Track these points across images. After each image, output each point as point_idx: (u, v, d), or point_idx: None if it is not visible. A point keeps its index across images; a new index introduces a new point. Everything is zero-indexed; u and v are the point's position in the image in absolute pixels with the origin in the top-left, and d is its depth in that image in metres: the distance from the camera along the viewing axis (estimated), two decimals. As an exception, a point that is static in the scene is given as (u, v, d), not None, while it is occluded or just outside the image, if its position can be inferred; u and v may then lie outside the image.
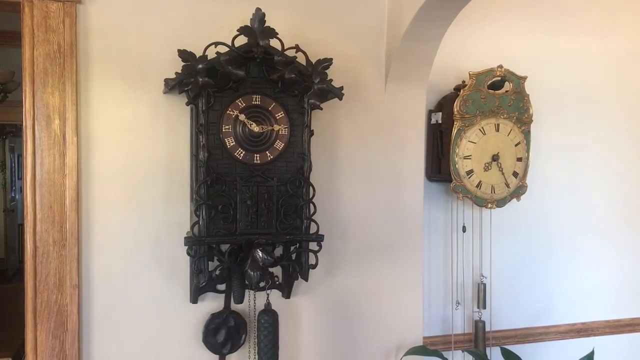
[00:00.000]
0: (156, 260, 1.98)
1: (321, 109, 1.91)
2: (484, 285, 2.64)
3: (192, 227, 1.83)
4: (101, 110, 1.92)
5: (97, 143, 1.92)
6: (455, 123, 2.43)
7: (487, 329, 2.63)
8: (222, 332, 2.01)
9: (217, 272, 1.89)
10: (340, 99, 1.93)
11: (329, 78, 1.88)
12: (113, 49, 1.91)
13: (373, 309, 2.24)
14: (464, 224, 2.60)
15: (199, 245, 1.84)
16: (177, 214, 1.99)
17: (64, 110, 1.88)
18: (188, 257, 1.93)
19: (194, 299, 1.97)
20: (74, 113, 1.89)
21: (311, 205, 1.94)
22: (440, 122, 2.53)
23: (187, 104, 1.86)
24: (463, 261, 2.66)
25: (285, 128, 1.90)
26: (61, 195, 1.87)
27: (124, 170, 1.94)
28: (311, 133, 1.94)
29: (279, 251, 2.00)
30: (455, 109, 2.42)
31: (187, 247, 1.85)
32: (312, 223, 1.94)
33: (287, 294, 2.08)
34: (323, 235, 1.94)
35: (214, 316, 2.01)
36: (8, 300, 3.99)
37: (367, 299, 2.24)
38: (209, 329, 2.00)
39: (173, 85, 1.81)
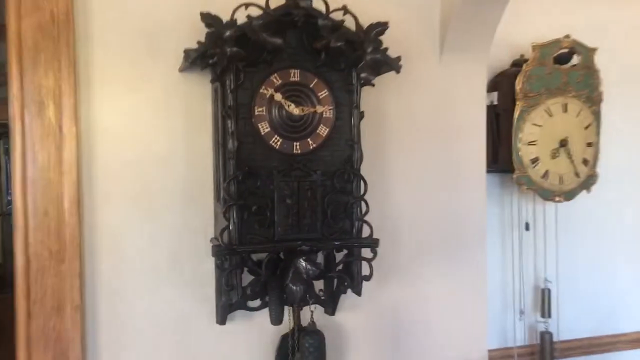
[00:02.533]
0: (175, 274, 1.63)
1: (373, 85, 1.56)
2: (549, 290, 2.29)
3: (220, 234, 1.48)
4: (105, 94, 1.57)
5: (100, 133, 1.57)
6: (516, 103, 2.08)
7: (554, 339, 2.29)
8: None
9: (252, 287, 1.54)
10: (398, 71, 1.58)
11: (382, 47, 1.52)
12: (118, 17, 1.56)
13: (431, 324, 1.90)
14: (526, 221, 2.25)
15: (231, 256, 1.49)
16: (200, 218, 1.64)
17: (60, 94, 1.53)
18: (214, 269, 1.59)
19: (222, 319, 1.62)
20: (71, 98, 1.54)
21: (363, 203, 1.59)
22: (495, 103, 2.18)
23: (212, 81, 1.52)
24: (524, 263, 2.31)
25: (329, 110, 1.55)
26: (58, 198, 1.52)
27: (133, 165, 1.59)
28: (361, 115, 1.59)
29: (321, 259, 1.65)
30: (517, 86, 2.07)
31: (215, 258, 1.51)
32: (365, 225, 1.59)
33: (331, 310, 1.73)
34: (378, 240, 1.59)
35: (284, 338, 1.67)
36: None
37: (423, 311, 1.89)
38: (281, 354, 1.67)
39: (195, 58, 1.46)
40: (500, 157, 2.17)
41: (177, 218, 1.63)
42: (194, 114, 1.63)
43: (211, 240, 1.60)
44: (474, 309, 1.94)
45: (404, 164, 1.85)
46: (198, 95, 1.63)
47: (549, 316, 2.28)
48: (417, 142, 1.86)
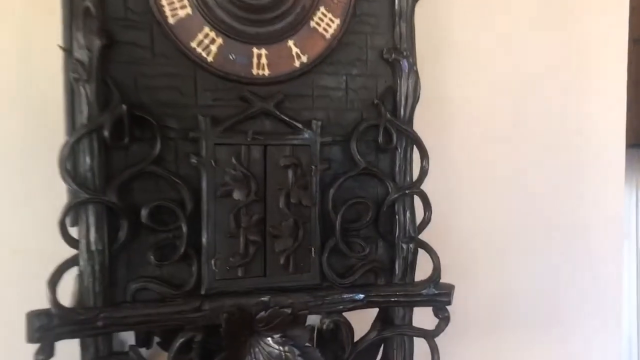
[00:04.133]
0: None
1: None
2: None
3: (51, 283, 0.55)
4: None
5: None
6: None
7: None
8: None
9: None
10: None
11: None
12: None
13: None
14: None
15: (83, 337, 0.57)
16: (44, 230, 0.71)
17: None
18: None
19: None
20: None
21: (418, 199, 0.67)
22: None
23: None
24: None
25: (339, -24, 0.63)
26: None
27: None
28: (415, -4, 0.67)
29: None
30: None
31: (39, 345, 0.57)
32: (416, 253, 0.67)
33: None
34: (450, 293, 0.67)
35: None
36: None
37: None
38: None
39: None
40: None
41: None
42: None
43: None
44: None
45: (480, 136, 0.93)
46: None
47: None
48: (508, 96, 0.94)
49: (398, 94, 0.66)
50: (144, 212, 0.58)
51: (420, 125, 0.68)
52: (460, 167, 0.91)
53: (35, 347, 0.55)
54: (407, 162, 0.67)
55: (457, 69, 0.91)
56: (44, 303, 0.55)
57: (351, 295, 0.65)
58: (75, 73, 0.56)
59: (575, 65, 0.99)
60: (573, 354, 1.02)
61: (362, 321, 0.71)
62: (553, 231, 0.98)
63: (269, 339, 0.63)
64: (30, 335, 0.54)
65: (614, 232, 1.04)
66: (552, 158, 0.98)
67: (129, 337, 0.77)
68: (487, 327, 0.96)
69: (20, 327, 0.55)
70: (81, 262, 0.57)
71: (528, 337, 0.99)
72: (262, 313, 0.61)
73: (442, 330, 0.69)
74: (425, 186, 0.68)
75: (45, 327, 0.54)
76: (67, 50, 0.58)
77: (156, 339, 0.75)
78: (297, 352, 0.63)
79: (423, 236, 0.69)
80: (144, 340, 0.77)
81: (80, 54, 0.56)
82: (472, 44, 0.91)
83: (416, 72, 0.66)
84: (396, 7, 0.66)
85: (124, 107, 0.56)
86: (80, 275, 0.57)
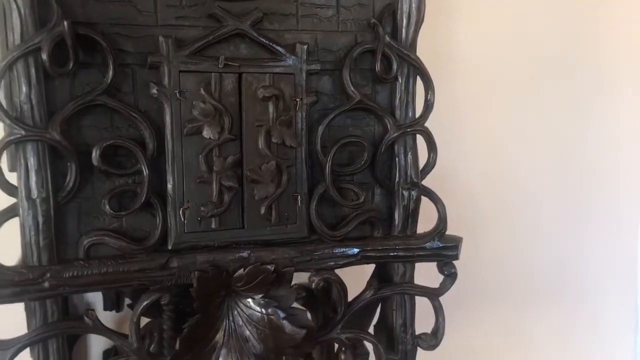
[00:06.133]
0: None
1: None
2: None
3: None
4: None
5: None
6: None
7: None
8: None
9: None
10: None
11: None
12: None
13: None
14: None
15: (27, 300, 0.48)
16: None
17: None
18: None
19: None
20: None
21: (419, 138, 0.58)
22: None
23: None
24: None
25: None
26: None
27: None
28: None
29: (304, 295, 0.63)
30: None
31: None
32: (419, 201, 0.59)
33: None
34: (458, 246, 0.59)
35: None
36: None
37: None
38: None
39: None
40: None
41: None
42: None
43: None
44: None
45: (493, 93, 0.83)
46: None
47: None
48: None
49: (399, 12, 0.56)
50: (95, 153, 0.49)
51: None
52: (470, 106, 0.81)
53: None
54: (410, 94, 0.58)
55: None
56: (-24, 262, 0.46)
57: (344, 249, 0.56)
58: (4, -18, 0.45)
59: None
60: (586, 317, 0.95)
61: (356, 279, 0.62)
62: (568, 186, 0.90)
63: (249, 300, 0.54)
64: (-39, 299, 0.46)
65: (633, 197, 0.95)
66: (569, 111, 0.88)
67: (97, 299, 0.69)
68: (496, 287, 0.88)
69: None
70: (21, 212, 0.48)
71: (541, 302, 0.91)
72: (241, 271, 0.53)
73: (448, 288, 0.60)
74: (429, 124, 0.58)
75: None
76: (-5, -46, 0.47)
77: (127, 301, 0.68)
78: (281, 314, 0.54)
79: (426, 182, 0.60)
80: (113, 303, 0.69)
81: (10, -43, 0.45)
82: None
83: (421, -13, 0.56)
84: None
85: (67, 23, 0.46)
86: (22, 228, 0.48)
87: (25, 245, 0.49)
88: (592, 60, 0.90)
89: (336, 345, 0.69)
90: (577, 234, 0.93)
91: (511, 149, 0.87)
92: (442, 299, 0.61)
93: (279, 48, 0.52)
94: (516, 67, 0.86)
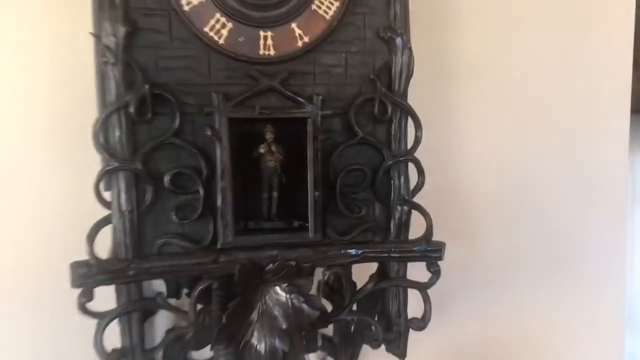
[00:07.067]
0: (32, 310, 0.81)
1: None
2: None
3: (91, 237, 0.65)
4: None
5: None
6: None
7: None
8: None
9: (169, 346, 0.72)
10: None
11: None
12: None
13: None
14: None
15: (117, 283, 0.67)
16: (83, 194, 0.81)
17: None
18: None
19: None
20: None
21: (411, 165, 0.74)
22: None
23: None
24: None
25: (341, -40, 0.69)
26: None
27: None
28: (411, -27, 0.73)
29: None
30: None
31: (79, 290, 0.67)
32: (410, 213, 0.75)
33: (346, 364, 0.90)
34: (442, 246, 0.75)
35: None
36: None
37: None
38: None
39: None
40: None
41: (42, 194, 0.81)
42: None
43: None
44: (609, 346, 1.09)
45: (482, 91, 0.98)
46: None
47: None
48: (510, 54, 0.98)
49: (393, 69, 0.73)
50: (166, 178, 0.67)
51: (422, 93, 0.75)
52: (459, 131, 0.97)
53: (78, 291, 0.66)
54: (402, 131, 0.74)
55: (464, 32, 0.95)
56: (84, 256, 0.65)
57: (350, 250, 0.73)
58: (104, 57, 0.64)
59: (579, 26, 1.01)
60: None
61: (365, 274, 0.79)
62: (555, 193, 1.03)
63: (277, 287, 0.72)
64: (73, 282, 0.65)
65: (617, 191, 1.08)
66: (555, 120, 1.02)
67: (161, 288, 0.87)
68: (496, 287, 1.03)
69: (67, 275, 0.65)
70: (114, 221, 0.67)
71: (530, 295, 1.06)
72: (271, 265, 0.70)
73: (434, 282, 0.76)
74: (421, 154, 0.75)
75: (85, 275, 0.64)
76: (97, 36, 0.66)
77: (185, 291, 0.86)
78: (301, 299, 0.72)
79: (421, 199, 0.76)
80: (173, 291, 0.87)
81: (108, 40, 0.64)
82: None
83: (410, 49, 0.73)
84: (392, -12, 0.72)
85: (147, 86, 0.65)
86: (114, 232, 0.67)
87: (115, 244, 0.67)
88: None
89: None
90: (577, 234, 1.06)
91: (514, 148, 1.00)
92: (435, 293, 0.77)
93: (300, 99, 0.70)
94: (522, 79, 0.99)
